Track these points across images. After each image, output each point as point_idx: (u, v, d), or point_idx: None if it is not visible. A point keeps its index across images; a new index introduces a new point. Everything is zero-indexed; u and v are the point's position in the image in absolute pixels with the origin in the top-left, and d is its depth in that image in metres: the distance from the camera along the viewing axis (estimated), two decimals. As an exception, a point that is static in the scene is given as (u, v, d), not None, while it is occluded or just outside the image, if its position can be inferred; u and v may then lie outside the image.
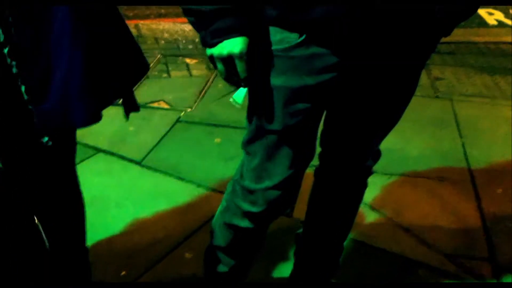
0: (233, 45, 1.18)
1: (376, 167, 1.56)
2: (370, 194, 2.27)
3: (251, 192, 1.41)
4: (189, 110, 2.88)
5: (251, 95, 1.29)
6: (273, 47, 1.21)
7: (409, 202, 2.26)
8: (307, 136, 1.36)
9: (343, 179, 1.54)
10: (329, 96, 1.30)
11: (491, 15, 4.32)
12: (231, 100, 1.26)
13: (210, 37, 1.19)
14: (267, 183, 1.38)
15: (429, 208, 2.24)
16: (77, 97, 1.21)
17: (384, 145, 1.51)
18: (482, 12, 4.36)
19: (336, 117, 1.41)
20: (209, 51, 1.21)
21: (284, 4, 1.15)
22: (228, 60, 1.20)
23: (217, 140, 2.65)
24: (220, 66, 1.22)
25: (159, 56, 3.45)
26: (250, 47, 1.20)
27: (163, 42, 3.66)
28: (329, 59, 1.20)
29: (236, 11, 1.16)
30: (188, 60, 3.43)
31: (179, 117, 2.81)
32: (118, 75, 1.31)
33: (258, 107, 1.31)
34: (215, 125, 2.76)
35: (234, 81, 1.23)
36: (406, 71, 1.32)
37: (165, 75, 3.26)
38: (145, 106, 2.89)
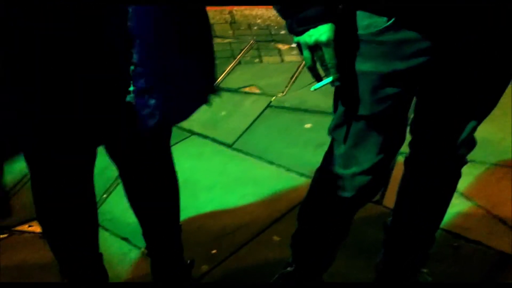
0: (320, 33, 1.18)
1: (473, 156, 1.49)
2: (466, 184, 2.18)
3: (339, 178, 1.40)
4: (280, 95, 2.89)
5: (339, 81, 1.27)
6: (361, 32, 1.19)
7: (507, 195, 2.15)
8: (396, 122, 1.33)
9: (435, 168, 1.48)
10: (420, 81, 1.26)
11: None
12: (312, 89, 1.27)
13: (296, 25, 1.19)
14: (355, 169, 1.37)
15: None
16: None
17: (484, 134, 1.44)
18: None
19: (427, 103, 1.37)
20: (296, 38, 1.22)
21: None
22: (315, 48, 1.20)
23: (307, 126, 2.64)
24: (306, 53, 1.22)
25: (251, 41, 3.47)
26: (336, 34, 1.19)
27: (256, 28, 3.68)
28: (420, 44, 1.17)
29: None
30: (280, 46, 3.42)
31: (270, 102, 2.82)
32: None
33: (345, 93, 1.29)
34: (306, 111, 2.75)
35: (318, 71, 1.23)
36: (501, 53, 1.25)
37: (257, 60, 3.28)
38: (237, 91, 2.93)
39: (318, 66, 1.26)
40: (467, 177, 2.20)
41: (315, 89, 1.26)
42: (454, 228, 1.99)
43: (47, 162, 1.35)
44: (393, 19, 1.16)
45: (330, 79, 1.24)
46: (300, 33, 1.20)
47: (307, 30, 1.19)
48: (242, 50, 3.37)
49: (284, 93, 2.91)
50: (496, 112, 1.41)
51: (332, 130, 1.38)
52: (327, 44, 1.18)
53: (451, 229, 1.98)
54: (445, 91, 1.32)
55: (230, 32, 3.63)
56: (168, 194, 1.61)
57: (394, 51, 1.19)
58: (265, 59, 3.29)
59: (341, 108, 1.33)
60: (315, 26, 1.18)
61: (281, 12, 1.21)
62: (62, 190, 1.42)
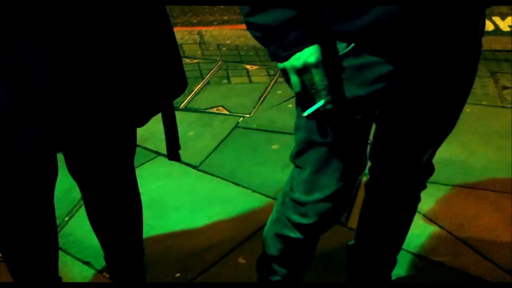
0: (308, 55, 1.14)
1: (437, 177, 1.52)
2: (430, 205, 2.21)
3: (301, 204, 1.40)
4: (248, 116, 2.90)
5: (331, 103, 1.21)
6: (329, 58, 1.19)
7: (471, 215, 2.19)
8: (357, 148, 1.34)
9: (394, 193, 1.51)
10: (379, 106, 1.27)
11: None
12: (305, 114, 1.22)
13: (282, 50, 1.15)
14: (317, 196, 1.36)
15: (492, 222, 2.15)
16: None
17: (448, 156, 1.47)
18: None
19: (386, 129, 1.38)
20: (282, 64, 1.17)
21: (329, 15, 1.13)
22: (304, 71, 1.16)
23: (275, 146, 2.65)
24: (295, 78, 1.18)
25: (220, 62, 3.49)
26: (323, 55, 1.16)
27: (224, 48, 3.70)
28: (380, 69, 1.17)
29: (305, 20, 1.13)
30: (248, 67, 3.45)
31: (238, 123, 2.83)
32: (152, 84, 1.30)
33: (337, 116, 1.26)
34: (273, 132, 2.76)
35: (309, 95, 1.19)
36: (457, 76, 1.27)
37: (225, 81, 3.29)
38: (205, 111, 2.93)
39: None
40: (430, 198, 2.23)
41: (308, 114, 1.20)
42: (418, 249, 2.01)
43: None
44: (352, 45, 1.16)
45: (321, 102, 1.18)
46: (285, 58, 1.16)
47: (293, 54, 1.15)
48: (210, 70, 3.39)
49: (252, 113, 2.92)
50: (458, 132, 1.44)
51: (295, 157, 1.37)
52: (316, 65, 1.14)
53: (415, 250, 2.00)
54: (403, 117, 1.33)
55: (199, 52, 3.65)
56: (131, 216, 1.59)
57: (355, 77, 1.19)
58: (234, 79, 3.31)
59: (302, 135, 1.32)
60: (301, 49, 1.14)
61: (262, 39, 1.17)
62: (21, 210, 1.39)
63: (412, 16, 1.09)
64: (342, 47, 1.17)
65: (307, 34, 1.13)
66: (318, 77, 1.16)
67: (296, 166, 1.39)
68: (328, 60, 1.17)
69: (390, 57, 1.17)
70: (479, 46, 1.27)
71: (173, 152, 1.45)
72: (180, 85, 1.39)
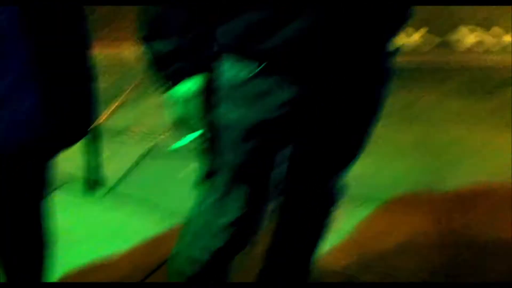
0: (189, 86, 1.17)
1: (351, 192, 1.55)
2: (340, 219, 2.25)
3: (209, 228, 1.40)
4: (163, 137, 2.87)
5: (208, 134, 1.27)
6: (230, 81, 1.20)
7: (380, 229, 2.25)
8: (265, 172, 1.35)
9: (306, 214, 1.53)
10: (287, 131, 1.29)
11: (469, 35, 4.36)
12: (176, 145, 1.24)
13: (166, 78, 1.19)
14: (224, 220, 1.37)
15: (401, 236, 2.22)
16: None
17: (358, 171, 1.50)
18: (462, 32, 4.39)
19: (294, 152, 1.40)
20: (167, 92, 1.21)
21: (238, 35, 1.14)
22: (185, 101, 1.19)
23: (190, 167, 2.63)
24: (176, 107, 1.21)
25: (136, 82, 3.44)
26: (206, 85, 1.18)
27: (140, 67, 3.66)
28: (287, 92, 1.19)
29: (190, 51, 1.15)
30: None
31: (153, 145, 2.79)
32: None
33: (214, 145, 1.30)
34: (189, 152, 2.73)
35: (189, 125, 1.22)
36: (365, 97, 1.31)
37: (140, 101, 3.25)
38: (118, 133, 2.88)
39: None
40: (341, 212, 2.28)
41: (177, 147, 1.24)
42: (328, 264, 2.04)
43: None
44: (260, 67, 1.17)
45: (199, 132, 1.22)
46: (170, 86, 1.19)
47: (176, 83, 1.18)
48: (125, 90, 3.33)
49: (167, 134, 2.90)
50: (368, 147, 1.48)
51: (202, 181, 1.37)
52: (195, 97, 1.18)
53: (325, 264, 2.03)
54: (311, 140, 1.36)
55: (117, 69, 3.58)
56: (35, 247, 1.53)
57: (262, 100, 1.20)
58: (149, 100, 3.26)
59: (210, 159, 1.33)
60: (184, 79, 1.17)
61: (152, 65, 1.20)
62: None
63: (322, 37, 1.12)
64: (252, 69, 1.18)
65: (190, 66, 1.17)
66: (196, 109, 1.20)
67: (204, 190, 1.40)
68: (212, 91, 1.19)
69: (298, 80, 1.19)
70: (389, 68, 1.31)
71: (88, 180, 1.41)
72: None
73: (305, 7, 1.07)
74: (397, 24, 1.24)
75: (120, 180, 2.51)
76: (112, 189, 2.44)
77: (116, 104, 3.17)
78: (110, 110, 3.09)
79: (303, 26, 1.09)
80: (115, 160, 2.64)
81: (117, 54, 3.84)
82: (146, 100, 3.25)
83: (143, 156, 2.70)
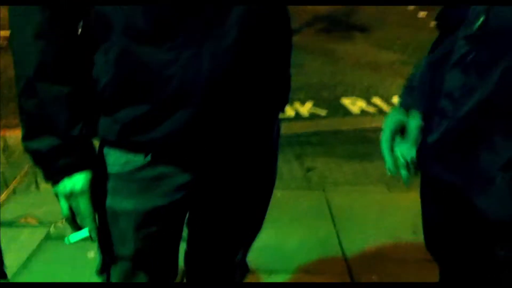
0: (74, 182, 1.14)
1: (256, 265, 1.54)
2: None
3: None
4: (60, 224, 2.74)
5: (95, 232, 1.23)
6: (119, 170, 1.19)
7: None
8: (164, 258, 1.32)
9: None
10: (183, 213, 1.28)
11: (354, 104, 4.62)
12: (66, 241, 1.20)
13: (50, 175, 1.16)
14: None
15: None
16: None
17: (262, 242, 1.51)
18: (346, 101, 4.65)
19: (196, 233, 1.40)
20: (53, 189, 1.17)
21: (122, 129, 1.14)
22: (71, 197, 1.16)
23: (91, 254, 2.52)
24: (63, 203, 1.18)
25: (27, 167, 3.29)
26: (93, 180, 1.16)
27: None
28: (179, 178, 1.20)
29: (73, 147, 1.14)
30: (59, 170, 3.30)
31: (49, 233, 2.66)
32: None
33: (105, 237, 1.26)
34: (88, 238, 2.63)
35: (76, 222, 1.19)
36: (258, 174, 1.33)
37: (33, 187, 3.11)
38: (11, 224, 2.72)
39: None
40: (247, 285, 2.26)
41: (70, 243, 1.19)
42: None
43: None
44: (150, 156, 1.17)
45: (86, 229, 1.19)
46: (55, 183, 1.16)
47: (62, 179, 1.14)
48: (16, 177, 3.18)
49: (64, 221, 2.77)
50: (271, 218, 1.48)
51: (100, 272, 1.32)
52: (81, 193, 1.15)
53: None
54: (210, 219, 1.36)
55: (2, 159, 3.42)
56: None
57: (154, 187, 1.19)
58: (43, 185, 3.13)
59: (105, 249, 1.29)
60: (69, 176, 1.14)
61: (35, 160, 1.16)
62: None
63: (204, 126, 1.13)
64: (140, 159, 1.17)
65: (75, 162, 1.14)
66: (83, 205, 1.17)
67: (104, 280, 1.33)
68: (98, 186, 1.18)
69: (187, 166, 1.20)
70: (275, 142, 1.35)
71: None
72: None
73: (184, 100, 1.09)
74: (278, 104, 1.29)
75: (13, 275, 2.34)
76: (13, 278, 2.28)
77: (5, 193, 3.00)
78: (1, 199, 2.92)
79: (185, 118, 1.11)
80: (7, 254, 2.48)
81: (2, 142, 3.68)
82: (39, 187, 3.12)
83: (39, 246, 2.55)
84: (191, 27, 1.05)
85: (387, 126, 1.22)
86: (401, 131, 1.22)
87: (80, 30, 1.12)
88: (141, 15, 1.04)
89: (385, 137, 1.22)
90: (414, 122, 1.19)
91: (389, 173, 1.22)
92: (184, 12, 1.04)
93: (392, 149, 1.21)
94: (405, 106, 1.24)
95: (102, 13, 1.07)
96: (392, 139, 1.22)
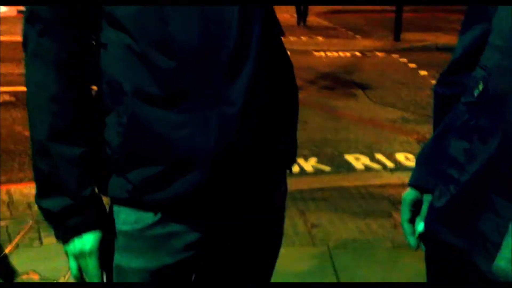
0: (84, 242, 1.16)
1: None
2: None
3: None
4: (62, 280, 2.72)
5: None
6: (128, 228, 1.20)
7: None
8: None
9: None
10: (192, 272, 1.29)
11: (358, 160, 4.65)
12: None
13: (60, 234, 1.18)
14: None
15: None
16: None
17: None
18: (349, 158, 4.68)
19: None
20: (64, 248, 1.19)
21: (132, 189, 1.16)
22: (80, 257, 1.17)
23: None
24: (72, 263, 1.19)
25: (31, 222, 3.30)
26: (102, 239, 1.18)
27: (36, 207, 3.52)
28: (188, 236, 1.21)
29: (84, 208, 1.16)
30: (62, 225, 3.30)
31: (52, 290, 2.64)
32: None
33: None
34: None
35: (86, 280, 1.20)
36: (265, 232, 1.34)
37: (37, 243, 3.10)
38: (14, 279, 2.70)
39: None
40: None
41: None
42: None
43: None
44: (159, 214, 1.19)
45: None
46: (65, 242, 1.17)
47: (72, 239, 1.16)
48: (19, 232, 3.18)
49: (67, 277, 2.75)
50: (274, 275, 1.47)
51: None
52: (90, 253, 1.16)
53: None
54: (216, 280, 1.36)
55: (7, 213, 3.42)
56: None
57: (163, 246, 1.20)
58: (46, 240, 3.12)
59: None
60: (79, 236, 1.16)
61: (46, 218, 1.18)
62: None
63: (213, 189, 1.16)
64: (150, 217, 1.19)
65: (85, 222, 1.16)
66: (91, 265, 1.18)
67: None
68: (108, 246, 1.19)
69: (196, 225, 1.21)
70: (282, 205, 1.36)
71: None
72: None
73: (193, 164, 1.12)
74: (286, 164, 1.31)
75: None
76: None
77: (9, 248, 3.00)
78: (3, 255, 2.91)
79: (194, 181, 1.13)
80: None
81: (7, 196, 3.70)
82: (43, 242, 3.11)
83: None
84: (200, 94, 1.09)
85: (404, 207, 1.26)
86: (416, 206, 1.25)
87: (93, 94, 1.17)
88: (151, 81, 1.09)
89: (404, 217, 1.26)
90: (427, 199, 1.22)
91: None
92: (192, 80, 1.09)
93: (414, 230, 1.25)
94: (416, 183, 1.27)
95: (114, 79, 1.12)
96: (412, 220, 1.26)
